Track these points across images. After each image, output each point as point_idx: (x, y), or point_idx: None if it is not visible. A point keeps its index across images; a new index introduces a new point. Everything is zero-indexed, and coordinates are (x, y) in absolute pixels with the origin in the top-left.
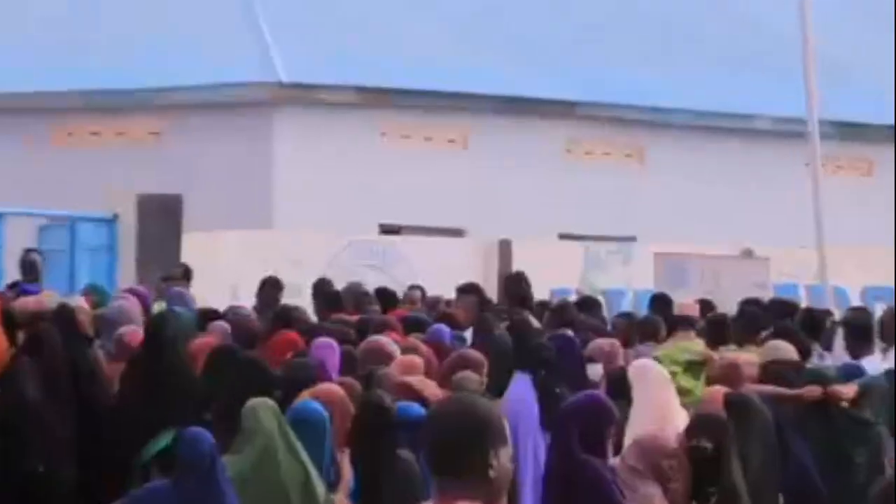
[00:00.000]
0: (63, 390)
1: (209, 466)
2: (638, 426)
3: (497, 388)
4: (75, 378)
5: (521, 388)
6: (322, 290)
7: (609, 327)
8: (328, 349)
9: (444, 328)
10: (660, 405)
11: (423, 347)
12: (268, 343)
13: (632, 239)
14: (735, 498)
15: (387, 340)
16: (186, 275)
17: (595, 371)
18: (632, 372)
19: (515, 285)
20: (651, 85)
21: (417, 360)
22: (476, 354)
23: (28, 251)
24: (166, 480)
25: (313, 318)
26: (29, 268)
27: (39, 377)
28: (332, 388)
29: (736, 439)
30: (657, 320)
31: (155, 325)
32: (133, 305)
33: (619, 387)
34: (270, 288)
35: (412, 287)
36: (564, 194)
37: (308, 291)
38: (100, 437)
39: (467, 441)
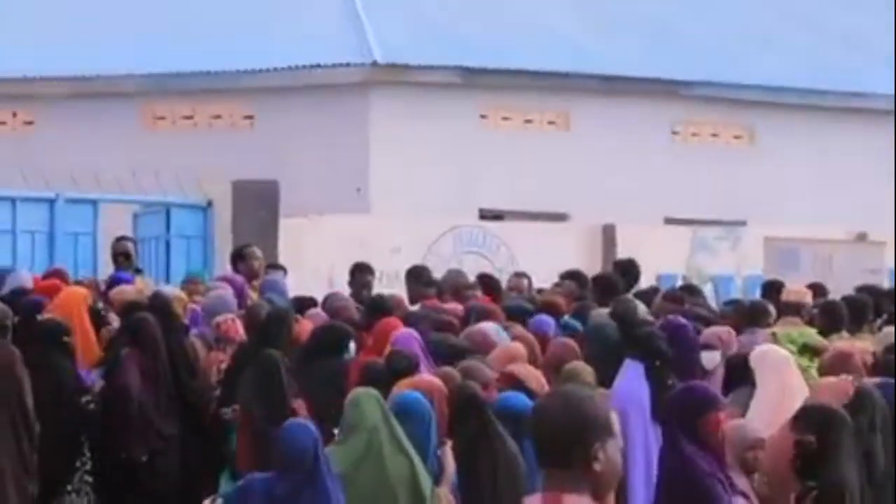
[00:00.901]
0: (163, 381)
1: (312, 459)
2: (759, 412)
3: (600, 377)
4: (174, 368)
5: (632, 378)
6: (418, 276)
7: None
8: (410, 340)
9: (547, 319)
10: (781, 390)
11: (528, 336)
12: (369, 331)
13: (741, 223)
14: (838, 496)
15: (490, 329)
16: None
17: (711, 359)
18: (754, 357)
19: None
20: (761, 63)
21: (521, 349)
22: (574, 345)
23: (121, 239)
24: (270, 473)
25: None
26: (122, 256)
27: (140, 367)
28: (432, 379)
29: (855, 434)
30: (765, 306)
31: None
32: (229, 294)
33: (740, 374)
34: (361, 274)
35: (518, 274)
36: (670, 177)
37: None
38: (200, 428)
39: (572, 434)
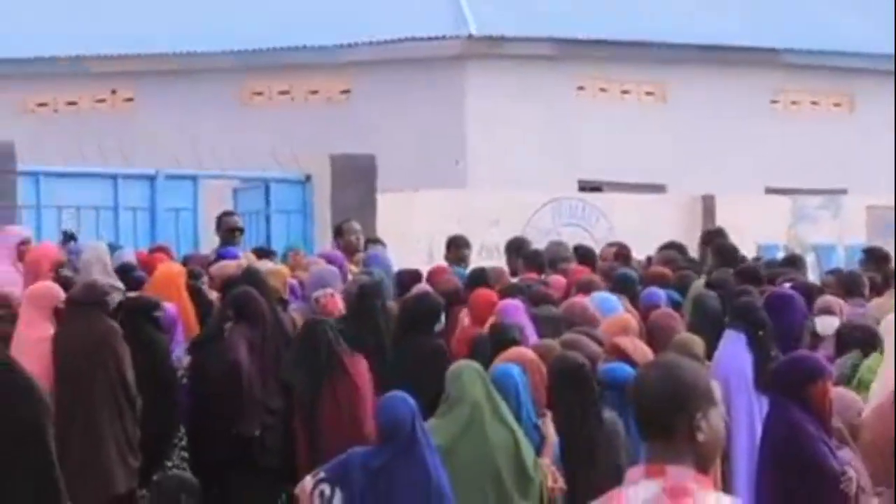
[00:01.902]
0: (269, 355)
1: (410, 432)
2: (885, 381)
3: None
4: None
5: (735, 348)
6: (517, 248)
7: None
8: (516, 311)
9: (658, 291)
10: None
11: (629, 306)
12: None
13: (842, 192)
14: None
15: (589, 301)
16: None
17: (830, 324)
18: (884, 325)
19: (721, 240)
20: (860, 30)
21: (632, 321)
22: (670, 315)
23: (227, 214)
24: (368, 447)
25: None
26: (237, 231)
27: (246, 342)
28: (526, 351)
29: None
30: (861, 276)
31: (363, 291)
32: (332, 269)
33: (847, 343)
34: (457, 248)
35: (611, 244)
36: (770, 146)
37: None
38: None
39: (673, 405)
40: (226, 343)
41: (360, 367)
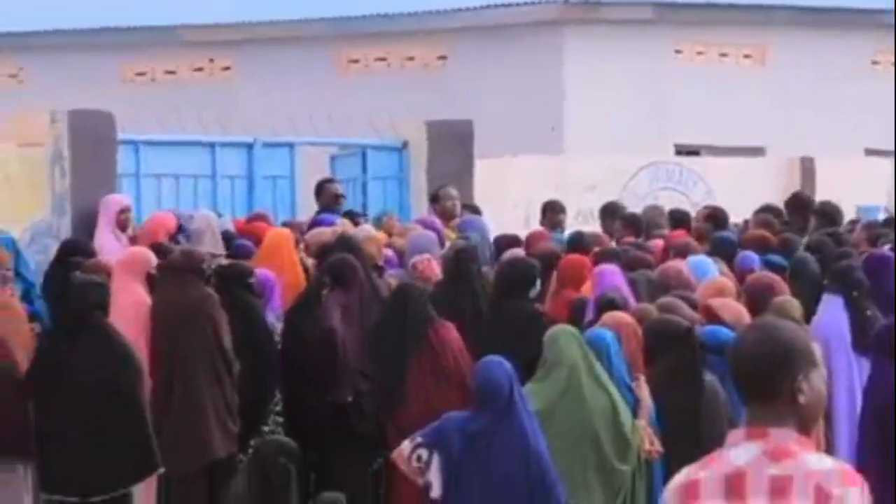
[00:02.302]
0: (365, 322)
1: (507, 396)
2: None
3: (805, 312)
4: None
5: (833, 310)
6: (612, 213)
7: None
8: (612, 276)
9: (752, 255)
10: None
11: (725, 269)
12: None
13: None
14: None
15: (683, 265)
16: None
17: None
18: None
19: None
20: None
21: (729, 284)
22: (773, 278)
23: (329, 181)
24: (465, 412)
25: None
26: (333, 198)
27: (342, 308)
28: (623, 316)
29: None
30: None
31: (459, 256)
32: (431, 235)
33: None
34: (553, 212)
35: (706, 208)
36: (870, 108)
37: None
38: None
39: (774, 366)
40: (321, 310)
41: (448, 334)
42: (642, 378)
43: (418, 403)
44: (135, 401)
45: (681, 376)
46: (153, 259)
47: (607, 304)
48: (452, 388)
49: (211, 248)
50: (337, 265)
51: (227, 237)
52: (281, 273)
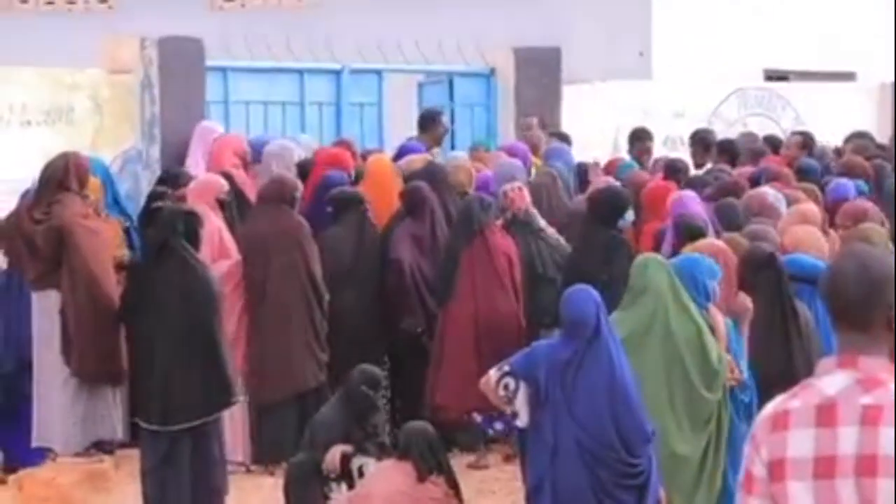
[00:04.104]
0: (439, 250)
1: (595, 325)
2: None
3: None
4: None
5: None
6: (702, 140)
7: None
8: (691, 203)
9: (847, 182)
10: None
11: (809, 197)
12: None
13: None
14: None
15: (771, 193)
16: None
17: None
18: None
19: None
20: None
21: (815, 211)
22: (869, 206)
23: (433, 112)
24: (553, 339)
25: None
26: (434, 128)
27: (415, 237)
28: (716, 241)
29: None
30: None
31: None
32: (516, 162)
33: None
34: (640, 140)
35: (794, 133)
36: None
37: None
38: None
39: (870, 295)
40: (393, 239)
41: (498, 237)
42: (713, 307)
43: (465, 298)
44: (210, 330)
45: (776, 305)
46: (224, 185)
47: (689, 229)
48: (498, 287)
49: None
50: (406, 194)
51: (304, 165)
52: (385, 201)
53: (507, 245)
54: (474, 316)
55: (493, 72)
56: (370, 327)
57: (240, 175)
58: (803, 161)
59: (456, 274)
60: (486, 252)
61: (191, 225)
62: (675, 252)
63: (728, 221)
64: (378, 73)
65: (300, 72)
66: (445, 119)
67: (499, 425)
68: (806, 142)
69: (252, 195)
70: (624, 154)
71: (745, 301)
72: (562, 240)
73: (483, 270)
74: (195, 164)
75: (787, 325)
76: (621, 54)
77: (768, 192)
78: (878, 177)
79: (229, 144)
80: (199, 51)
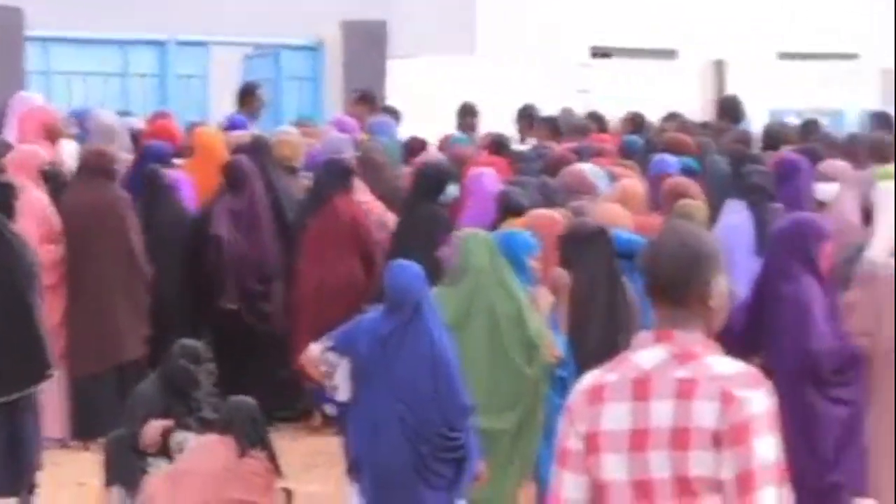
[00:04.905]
0: (262, 223)
1: (417, 300)
2: (881, 248)
3: (715, 214)
4: (276, 212)
5: (736, 214)
6: (526, 115)
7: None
8: (492, 181)
9: (669, 158)
10: None
11: (634, 174)
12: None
13: (854, 56)
14: None
15: (589, 169)
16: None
17: (829, 191)
18: (878, 192)
19: (731, 108)
20: None
21: (636, 188)
22: (690, 183)
23: (251, 85)
24: (376, 312)
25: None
26: (251, 101)
27: (235, 211)
28: (535, 215)
29: None
30: (887, 140)
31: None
32: (342, 136)
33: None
34: (466, 115)
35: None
36: (784, 11)
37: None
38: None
39: (690, 272)
40: (212, 215)
41: (349, 205)
42: (541, 287)
43: (310, 264)
44: (26, 302)
45: (602, 278)
46: (44, 156)
47: (509, 204)
48: (340, 255)
49: (117, 147)
50: (227, 169)
51: (133, 137)
52: (212, 174)
53: (356, 213)
54: (319, 282)
55: (320, 45)
56: (190, 302)
57: (46, 147)
58: (627, 137)
59: (302, 240)
60: (332, 219)
61: (4, 196)
62: (495, 227)
63: (545, 199)
64: (204, 45)
65: (124, 43)
66: (262, 92)
67: (331, 408)
68: (634, 119)
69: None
70: (450, 129)
71: (563, 276)
72: (389, 214)
73: (327, 238)
74: (12, 136)
75: (612, 300)
76: (448, 30)
77: (586, 168)
78: (703, 154)
79: (35, 117)
80: (18, 20)
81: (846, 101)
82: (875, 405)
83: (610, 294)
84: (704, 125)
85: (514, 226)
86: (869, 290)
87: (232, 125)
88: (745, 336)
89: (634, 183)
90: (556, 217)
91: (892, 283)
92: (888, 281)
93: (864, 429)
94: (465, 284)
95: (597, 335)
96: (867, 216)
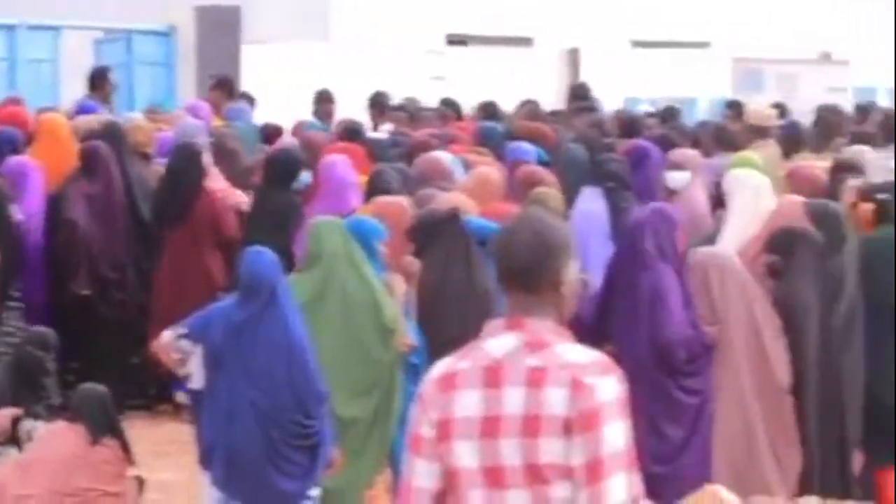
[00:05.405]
0: (117, 210)
1: (272, 287)
2: (731, 236)
3: (571, 201)
4: (130, 199)
5: (591, 201)
6: (378, 102)
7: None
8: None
9: (526, 146)
10: (754, 214)
11: (490, 160)
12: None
13: (706, 44)
14: (788, 308)
15: (444, 156)
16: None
17: (680, 179)
18: (728, 182)
19: (582, 95)
20: None
21: (492, 177)
22: (544, 171)
23: (102, 69)
24: (230, 300)
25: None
26: (102, 86)
27: (90, 197)
28: (383, 202)
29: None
30: (733, 128)
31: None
32: (195, 122)
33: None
34: (323, 102)
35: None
36: (637, 0)
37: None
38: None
39: (542, 259)
40: (66, 200)
41: (205, 194)
42: (395, 274)
43: (169, 254)
44: None
45: (454, 264)
46: None
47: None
48: (203, 242)
49: None
50: (84, 154)
51: None
52: (58, 160)
53: (213, 200)
54: (175, 270)
55: (173, 30)
56: (41, 289)
57: None
58: (484, 125)
59: (157, 228)
60: (189, 207)
61: None
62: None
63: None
64: (55, 29)
65: None
66: (114, 77)
67: (183, 395)
68: (486, 108)
69: None
70: (306, 115)
71: (413, 263)
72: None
73: (184, 226)
74: None
75: (466, 287)
76: (301, 15)
77: (442, 156)
78: (558, 142)
79: None
80: None
81: (698, 89)
82: (718, 393)
83: (465, 281)
84: (554, 113)
85: (363, 212)
86: (700, 279)
87: (82, 110)
88: (596, 324)
89: (490, 171)
90: (402, 204)
91: (726, 272)
92: (719, 270)
93: (712, 417)
94: (318, 270)
95: (451, 322)
96: (716, 204)
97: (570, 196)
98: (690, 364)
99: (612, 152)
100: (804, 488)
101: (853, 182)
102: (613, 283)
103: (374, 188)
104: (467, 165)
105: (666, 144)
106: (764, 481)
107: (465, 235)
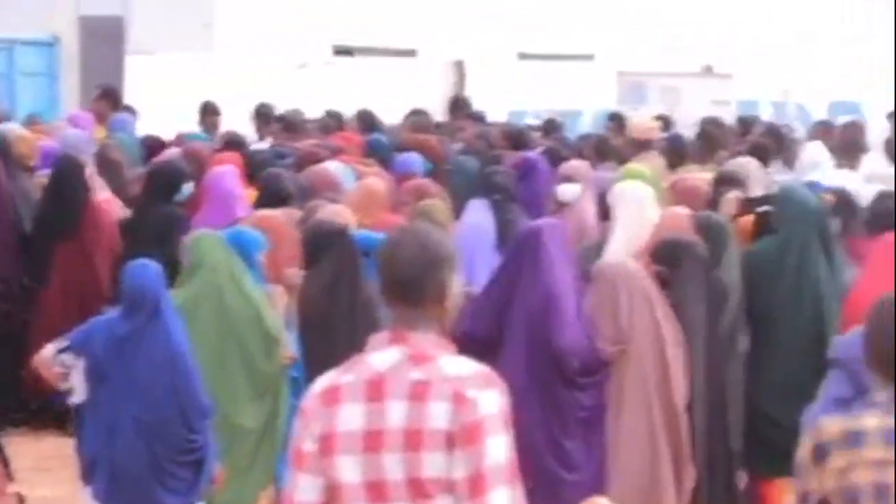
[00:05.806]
0: (4, 223)
1: (155, 300)
2: (617, 249)
3: (459, 213)
4: (14, 211)
5: (477, 213)
6: (263, 113)
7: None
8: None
9: (415, 158)
10: (641, 226)
11: (378, 171)
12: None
13: (590, 57)
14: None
15: (334, 167)
16: (107, 96)
17: (571, 191)
18: (613, 194)
19: (461, 107)
20: None
21: (379, 185)
22: (431, 183)
23: None
24: (113, 313)
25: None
26: None
27: None
28: (271, 216)
29: (711, 262)
30: (615, 141)
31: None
32: (81, 133)
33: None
34: (208, 114)
35: (359, 112)
36: (523, 12)
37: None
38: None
39: (424, 271)
40: None
41: (92, 207)
42: (277, 287)
43: (58, 268)
44: None
45: (343, 277)
46: None
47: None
48: (90, 255)
49: None
50: None
51: None
52: None
53: (100, 213)
54: (62, 283)
55: (56, 40)
56: None
57: None
58: (372, 137)
59: (43, 240)
60: (77, 220)
61: None
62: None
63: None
64: None
65: None
66: None
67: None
68: (363, 117)
69: None
70: (189, 126)
71: (295, 275)
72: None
73: (72, 239)
74: None
75: (353, 300)
76: (186, 26)
77: (331, 166)
78: (444, 154)
79: None
80: None
81: (584, 102)
82: (616, 405)
83: (351, 294)
84: (439, 125)
85: (244, 224)
86: (608, 292)
87: None
88: (486, 335)
89: (377, 182)
90: (280, 216)
91: (633, 284)
92: (627, 282)
93: (605, 429)
94: (198, 281)
95: (337, 336)
96: (604, 215)
97: (458, 208)
98: (585, 376)
99: (500, 164)
100: (692, 502)
101: (732, 194)
102: (504, 294)
103: (269, 192)
104: (358, 176)
105: (554, 157)
106: (663, 497)
107: (354, 249)
